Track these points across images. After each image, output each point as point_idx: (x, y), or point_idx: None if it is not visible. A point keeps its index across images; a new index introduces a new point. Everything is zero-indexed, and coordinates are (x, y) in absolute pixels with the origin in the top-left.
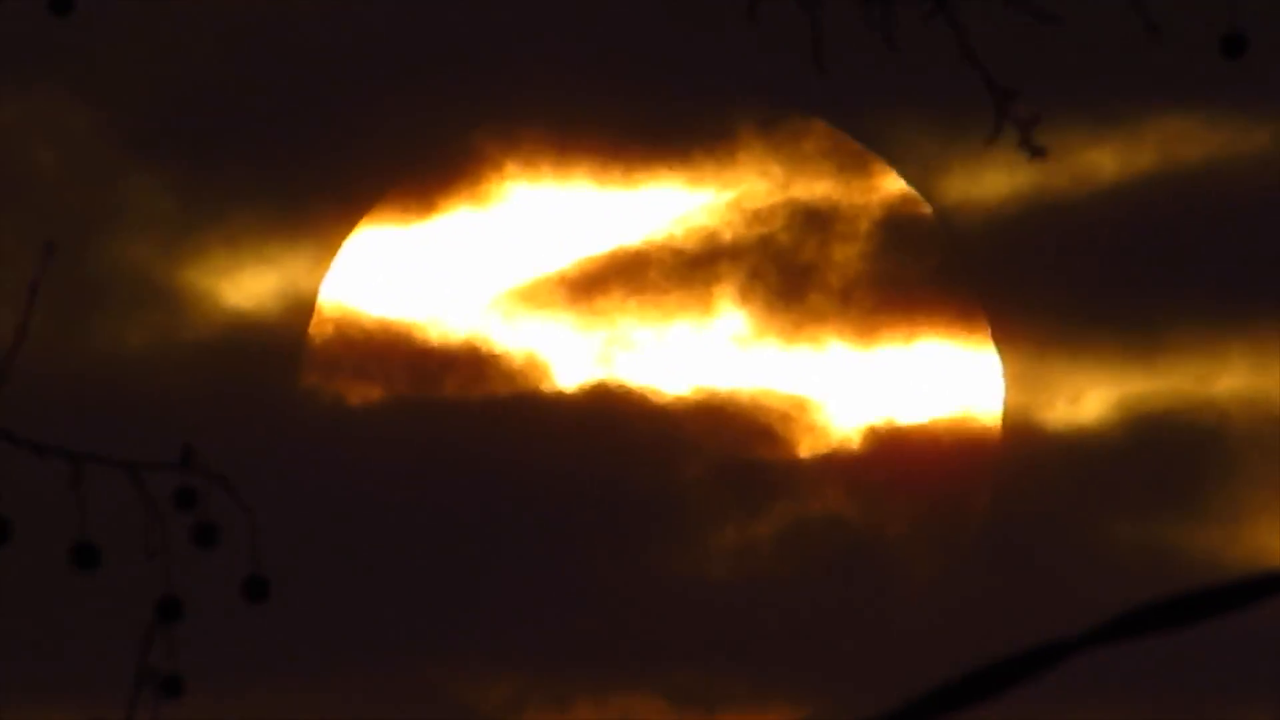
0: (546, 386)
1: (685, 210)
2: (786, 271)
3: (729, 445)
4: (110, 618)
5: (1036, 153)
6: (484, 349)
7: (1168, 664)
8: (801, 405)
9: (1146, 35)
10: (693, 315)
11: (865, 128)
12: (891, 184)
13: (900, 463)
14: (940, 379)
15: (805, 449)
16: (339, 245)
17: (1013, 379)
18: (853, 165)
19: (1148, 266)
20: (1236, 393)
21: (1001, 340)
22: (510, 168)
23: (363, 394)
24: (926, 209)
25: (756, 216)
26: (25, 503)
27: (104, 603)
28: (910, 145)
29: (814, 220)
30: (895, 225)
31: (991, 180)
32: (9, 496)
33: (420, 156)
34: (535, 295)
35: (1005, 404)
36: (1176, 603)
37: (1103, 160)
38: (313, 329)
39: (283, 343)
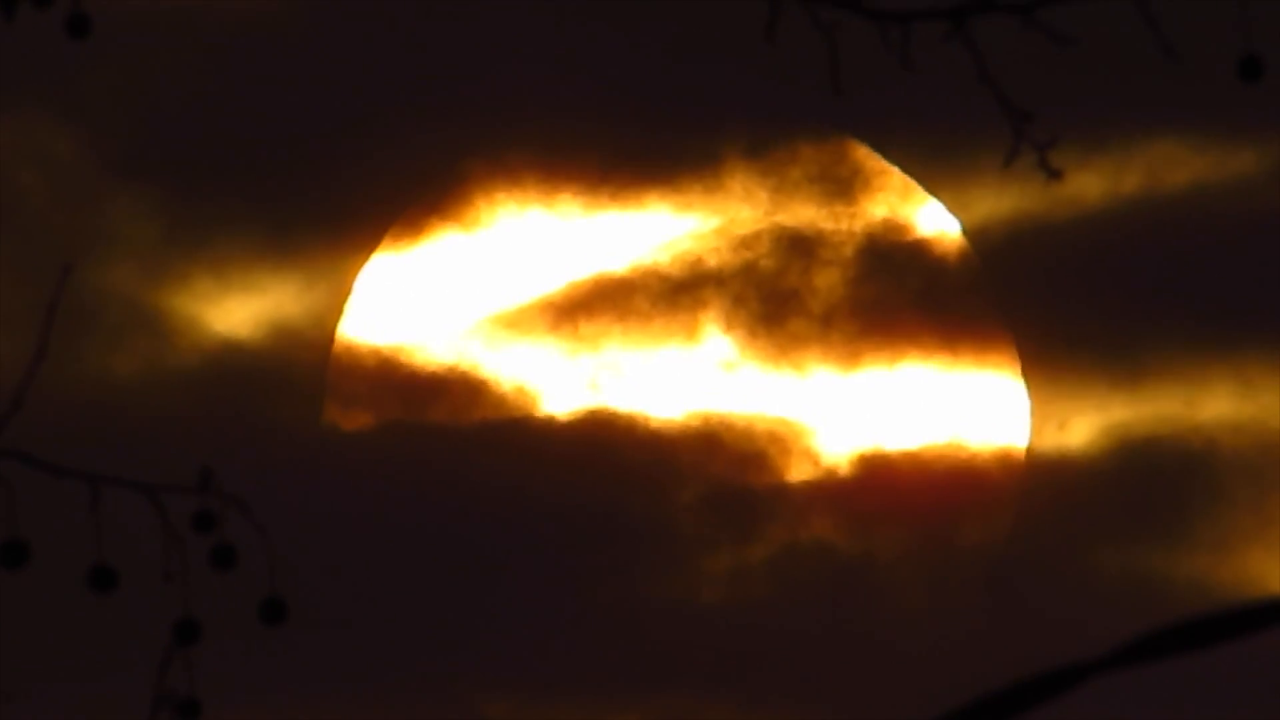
0: (537, 412)
1: (672, 236)
2: (776, 297)
3: (721, 470)
4: (128, 640)
5: (1053, 175)
6: (473, 374)
7: (1172, 686)
8: (791, 431)
9: (1134, 59)
10: (682, 341)
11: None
12: (912, 202)
13: (889, 489)
14: (928, 405)
15: (795, 474)
16: (328, 272)
17: (1002, 406)
18: (880, 183)
19: (1133, 291)
20: (1223, 418)
21: (990, 367)
22: (498, 194)
23: (357, 420)
24: (910, 234)
25: (743, 242)
26: (43, 525)
27: (122, 625)
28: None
29: (801, 246)
30: (880, 251)
31: (975, 204)
32: (27, 518)
33: (409, 183)
34: (523, 321)
35: (994, 431)
36: (1198, 626)
37: (1089, 184)
38: (304, 356)
39: (271, 369)
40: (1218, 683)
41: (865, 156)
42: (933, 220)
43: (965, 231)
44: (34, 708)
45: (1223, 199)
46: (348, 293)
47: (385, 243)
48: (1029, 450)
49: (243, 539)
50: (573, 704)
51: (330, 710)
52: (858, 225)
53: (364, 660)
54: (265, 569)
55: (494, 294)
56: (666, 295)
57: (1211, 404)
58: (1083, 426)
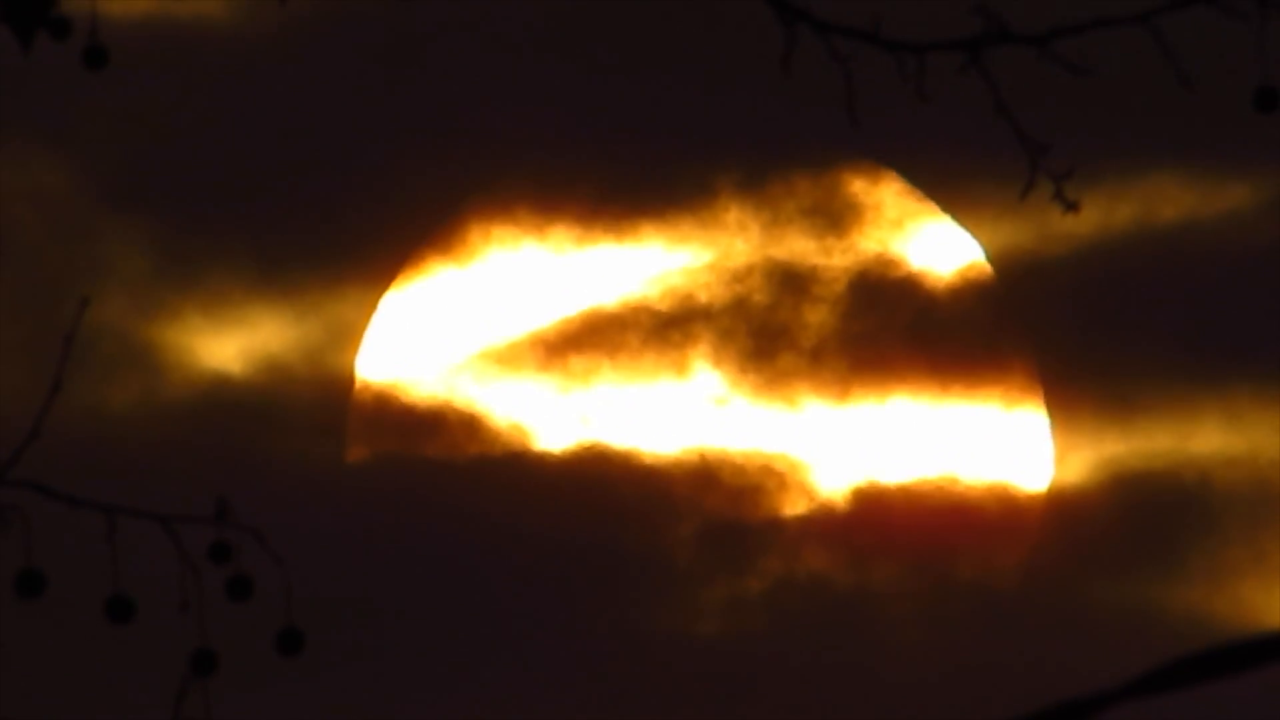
0: (531, 448)
1: (664, 270)
2: (770, 332)
3: (720, 503)
4: (144, 670)
5: (1070, 207)
6: (468, 410)
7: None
8: (787, 465)
9: (1126, 91)
10: (678, 376)
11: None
12: (936, 228)
13: (886, 523)
14: (926, 439)
15: (791, 508)
16: (320, 306)
17: (995, 440)
18: (903, 210)
19: (1126, 324)
20: (1216, 452)
21: (982, 400)
22: (493, 228)
23: (354, 454)
24: (902, 269)
25: (735, 276)
26: (59, 556)
27: (138, 655)
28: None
29: (796, 280)
30: (872, 285)
31: (966, 238)
32: (43, 549)
33: (402, 217)
34: (515, 356)
35: (992, 465)
36: (1218, 655)
37: (1082, 217)
38: (298, 391)
39: (263, 404)
40: (1234, 714)
41: (862, 190)
42: (927, 253)
43: (989, 257)
44: None
45: (1215, 233)
46: (343, 327)
47: (381, 278)
48: (1024, 485)
49: (255, 569)
50: None
51: None
52: (854, 259)
53: (382, 693)
54: (279, 599)
55: (488, 329)
56: (661, 330)
57: (1204, 437)
58: (1077, 462)
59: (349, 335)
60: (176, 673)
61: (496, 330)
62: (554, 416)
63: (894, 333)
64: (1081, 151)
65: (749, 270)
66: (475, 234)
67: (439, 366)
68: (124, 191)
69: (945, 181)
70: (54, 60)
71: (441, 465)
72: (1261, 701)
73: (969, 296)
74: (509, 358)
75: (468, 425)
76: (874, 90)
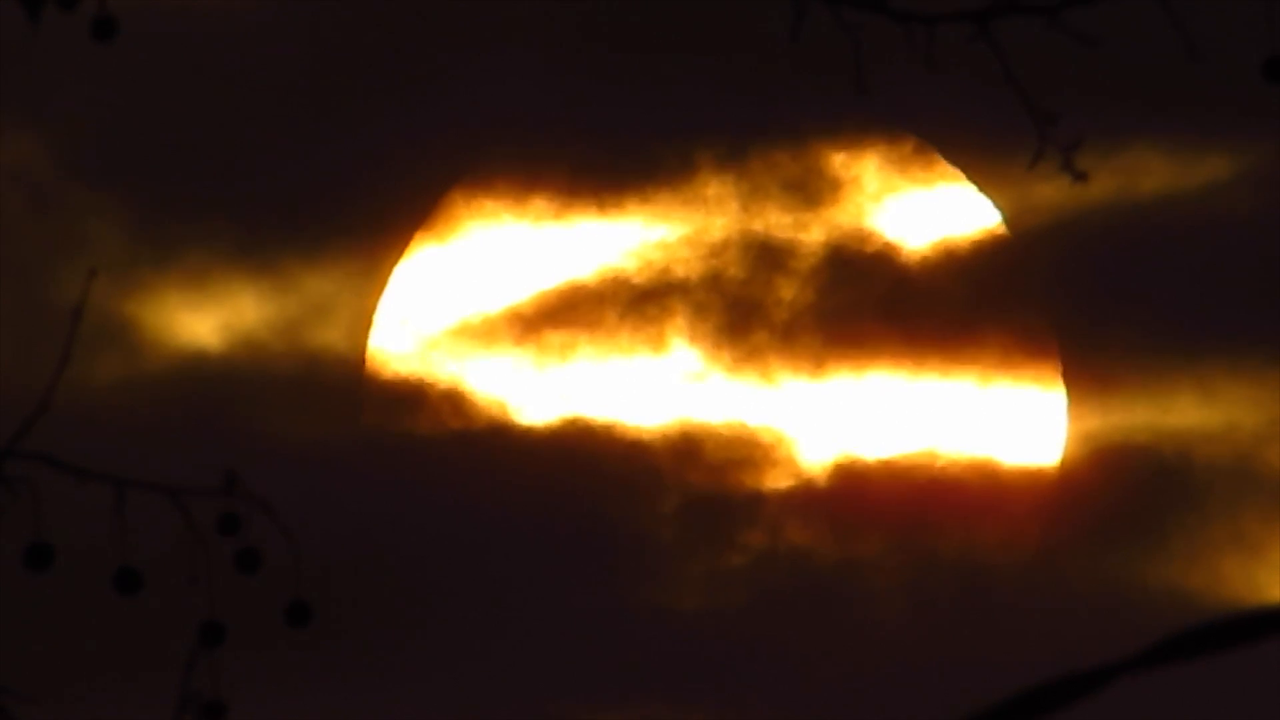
0: (513, 422)
1: (644, 244)
2: (753, 306)
3: (701, 477)
4: (153, 642)
5: (1079, 177)
6: (448, 384)
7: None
8: (769, 439)
9: (1105, 63)
10: (660, 349)
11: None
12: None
13: (870, 497)
14: (911, 414)
15: (774, 482)
16: (304, 282)
17: (974, 415)
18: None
19: (1103, 297)
20: (1195, 426)
21: (962, 375)
22: (473, 203)
23: (336, 430)
24: (875, 243)
25: (712, 250)
26: (68, 528)
27: (147, 627)
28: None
29: (771, 254)
30: (846, 259)
31: (984, 203)
32: (52, 522)
33: (382, 192)
34: (497, 330)
35: (974, 440)
36: (1227, 627)
37: (1060, 189)
38: (280, 368)
39: (247, 380)
40: (1238, 686)
41: (842, 163)
42: (900, 226)
43: (1006, 220)
44: (59, 710)
45: (1192, 204)
46: (325, 303)
47: (362, 253)
48: (1003, 460)
49: (264, 540)
50: (550, 709)
51: (357, 714)
52: (830, 234)
53: (390, 663)
54: (286, 570)
55: (469, 303)
56: (640, 304)
57: (1184, 412)
58: (1058, 435)
59: (330, 311)
60: (185, 644)
61: (477, 304)
62: (534, 391)
63: (870, 305)
64: (1090, 122)
65: (725, 244)
66: (457, 208)
67: (420, 341)
68: (104, 167)
69: (953, 152)
70: (35, 34)
71: (423, 440)
72: (1259, 681)
73: (979, 266)
74: (489, 332)
75: (449, 400)
76: (882, 60)
